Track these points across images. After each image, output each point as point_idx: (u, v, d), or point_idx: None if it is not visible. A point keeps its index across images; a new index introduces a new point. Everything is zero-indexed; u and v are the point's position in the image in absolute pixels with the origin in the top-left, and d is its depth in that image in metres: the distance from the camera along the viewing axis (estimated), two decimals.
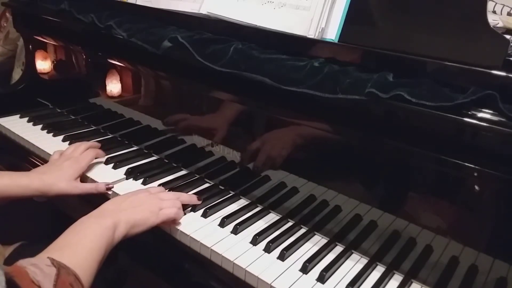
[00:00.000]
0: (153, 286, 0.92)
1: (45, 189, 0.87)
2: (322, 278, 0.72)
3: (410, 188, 0.74)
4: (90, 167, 0.99)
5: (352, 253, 0.79)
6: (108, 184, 0.92)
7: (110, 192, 0.92)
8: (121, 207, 0.77)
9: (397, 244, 0.76)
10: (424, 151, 0.68)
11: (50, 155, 1.02)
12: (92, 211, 0.75)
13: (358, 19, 0.76)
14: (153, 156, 1.10)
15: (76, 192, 0.90)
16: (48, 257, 0.60)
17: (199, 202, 0.88)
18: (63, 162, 0.95)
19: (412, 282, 0.74)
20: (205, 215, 0.85)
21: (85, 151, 0.99)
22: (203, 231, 0.81)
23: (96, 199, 0.89)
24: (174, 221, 0.81)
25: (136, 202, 0.79)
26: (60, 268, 0.59)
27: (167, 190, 0.91)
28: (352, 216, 0.81)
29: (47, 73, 1.37)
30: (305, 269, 0.73)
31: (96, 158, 1.01)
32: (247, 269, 0.73)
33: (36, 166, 1.05)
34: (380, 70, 0.69)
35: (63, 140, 1.14)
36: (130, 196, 0.82)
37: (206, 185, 0.99)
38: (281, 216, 0.88)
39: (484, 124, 0.59)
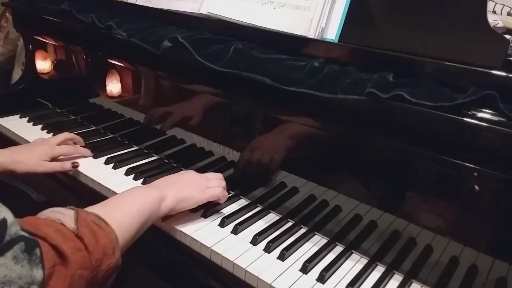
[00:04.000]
0: (153, 286, 0.92)
1: (14, 166, 0.91)
2: (322, 278, 0.72)
3: (410, 188, 0.74)
4: (90, 167, 1.00)
5: (352, 253, 0.79)
6: (74, 162, 0.97)
7: (77, 168, 0.97)
8: (170, 184, 0.81)
9: (397, 244, 0.76)
10: (424, 151, 0.68)
11: None
12: None
13: (358, 19, 0.76)
14: (153, 156, 1.09)
15: (41, 170, 0.94)
16: (67, 206, 0.61)
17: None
18: (38, 145, 0.99)
19: (412, 282, 0.73)
20: (205, 215, 0.85)
21: (64, 143, 1.03)
22: (203, 231, 0.81)
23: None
24: (219, 200, 0.86)
25: (184, 180, 0.84)
26: (79, 210, 0.60)
27: None
28: (352, 216, 0.81)
29: (47, 73, 1.37)
30: (305, 269, 0.73)
31: (83, 157, 1.03)
32: (247, 269, 0.73)
33: None
34: (380, 70, 0.69)
35: None
36: (179, 175, 0.89)
37: None
38: (281, 216, 0.88)
39: (484, 124, 0.59)
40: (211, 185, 0.85)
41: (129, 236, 0.66)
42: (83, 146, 1.08)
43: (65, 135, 1.05)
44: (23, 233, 0.49)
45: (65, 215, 0.58)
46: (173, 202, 0.77)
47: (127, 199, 0.72)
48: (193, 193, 0.81)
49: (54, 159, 0.98)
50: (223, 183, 0.88)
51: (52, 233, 0.53)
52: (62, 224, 0.56)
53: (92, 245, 0.56)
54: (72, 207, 0.61)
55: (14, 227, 0.48)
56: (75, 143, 1.07)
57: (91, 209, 0.65)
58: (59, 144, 1.01)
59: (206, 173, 0.89)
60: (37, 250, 0.49)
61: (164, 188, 0.78)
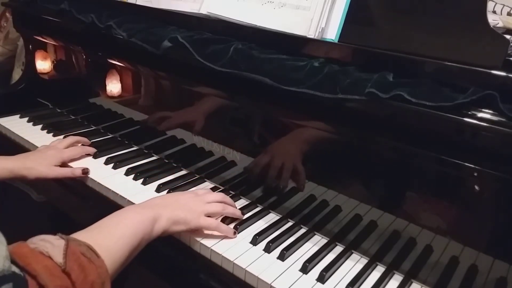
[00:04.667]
0: (152, 285, 0.92)
1: (25, 172, 0.92)
2: (322, 278, 0.72)
3: (410, 188, 0.74)
4: (90, 167, 0.99)
5: (352, 253, 0.79)
6: (84, 168, 0.97)
7: (88, 176, 0.97)
8: (165, 204, 0.78)
9: (397, 244, 0.76)
10: (424, 151, 0.68)
11: None
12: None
13: (358, 19, 0.76)
14: (153, 156, 1.09)
15: (53, 175, 0.95)
16: (57, 234, 0.59)
17: (243, 218, 0.85)
18: (47, 150, 1.00)
19: (412, 282, 0.73)
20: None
21: (71, 146, 1.05)
22: (203, 231, 0.81)
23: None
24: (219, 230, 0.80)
25: (182, 201, 0.80)
26: (69, 240, 0.59)
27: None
28: (352, 216, 0.81)
29: (47, 73, 1.37)
30: (305, 269, 0.73)
31: (86, 156, 1.05)
32: (247, 269, 0.73)
33: None
34: (380, 70, 0.69)
35: None
36: (176, 195, 0.85)
37: (206, 185, 0.98)
38: (281, 216, 0.88)
39: (484, 124, 0.59)
40: (209, 210, 0.80)
41: (120, 263, 0.64)
42: (89, 145, 1.10)
43: (71, 138, 1.07)
44: (14, 268, 0.48)
45: (54, 246, 0.56)
46: (167, 223, 0.74)
47: (118, 223, 0.69)
48: (188, 218, 0.77)
49: (64, 162, 0.99)
50: (220, 207, 0.82)
51: (40, 270, 0.52)
52: (50, 257, 0.54)
53: (79, 281, 0.54)
54: (62, 236, 0.59)
55: (7, 262, 0.47)
56: (82, 145, 1.08)
57: (82, 235, 0.62)
58: (66, 148, 1.03)
59: (205, 195, 0.84)
60: None
61: (158, 207, 0.75)
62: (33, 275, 0.51)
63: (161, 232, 0.73)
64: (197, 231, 0.80)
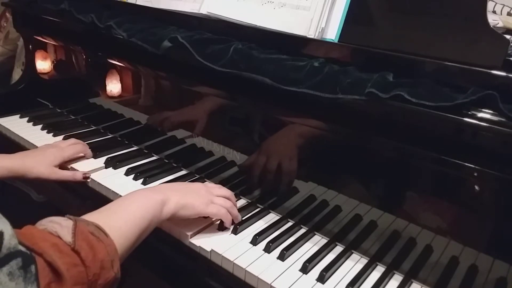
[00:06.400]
0: (152, 285, 0.92)
1: (25, 171, 0.90)
2: (322, 278, 0.72)
3: (410, 188, 0.74)
4: (89, 167, 1.00)
5: (352, 253, 0.79)
6: (85, 173, 0.96)
7: (88, 181, 0.96)
8: (174, 189, 0.79)
9: (397, 244, 0.76)
10: (424, 151, 0.68)
11: None
12: None
13: (358, 19, 0.76)
14: (153, 156, 1.09)
15: (54, 177, 0.93)
16: (66, 215, 0.60)
17: (240, 219, 0.84)
18: (48, 149, 0.99)
19: (412, 282, 0.73)
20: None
21: (72, 144, 1.03)
22: (203, 231, 0.81)
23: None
24: (224, 223, 0.81)
25: (190, 188, 0.82)
26: (78, 220, 0.59)
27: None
28: (352, 216, 0.81)
29: (47, 73, 1.37)
30: (305, 269, 0.73)
31: (84, 157, 1.04)
32: (247, 269, 0.73)
33: None
34: (380, 70, 0.69)
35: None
36: (186, 183, 0.88)
37: None
38: (281, 216, 0.88)
39: (484, 124, 0.59)
40: (217, 202, 0.81)
41: (129, 244, 0.64)
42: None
43: (72, 140, 1.06)
44: (21, 247, 0.48)
45: (62, 227, 0.56)
46: (175, 207, 0.74)
47: (128, 205, 0.70)
48: (196, 203, 0.78)
49: (65, 161, 0.98)
50: (228, 203, 0.82)
51: (48, 248, 0.52)
52: (59, 237, 0.55)
53: (89, 259, 0.55)
54: (70, 216, 0.59)
55: (13, 240, 0.47)
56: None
57: (91, 216, 0.63)
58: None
59: (215, 187, 0.86)
60: (33, 267, 0.48)
61: (167, 191, 0.76)
62: (39, 252, 0.51)
63: (170, 215, 0.74)
64: (200, 232, 0.80)
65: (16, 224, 0.51)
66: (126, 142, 1.15)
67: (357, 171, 0.79)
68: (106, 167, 1.02)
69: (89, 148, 1.07)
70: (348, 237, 0.81)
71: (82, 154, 1.04)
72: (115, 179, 0.96)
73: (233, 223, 0.83)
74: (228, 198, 0.84)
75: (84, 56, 1.24)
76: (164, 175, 1.00)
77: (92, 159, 1.05)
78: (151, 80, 1.08)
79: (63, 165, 0.98)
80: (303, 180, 0.86)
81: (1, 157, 0.91)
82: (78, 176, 0.96)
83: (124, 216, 0.67)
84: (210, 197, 0.81)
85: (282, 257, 0.76)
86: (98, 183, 0.95)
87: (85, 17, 1.06)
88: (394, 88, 0.64)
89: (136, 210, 0.69)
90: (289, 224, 0.86)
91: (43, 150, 0.98)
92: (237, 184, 0.95)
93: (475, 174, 0.64)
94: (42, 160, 0.94)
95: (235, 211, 0.84)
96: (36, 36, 1.34)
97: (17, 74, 1.75)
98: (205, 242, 0.78)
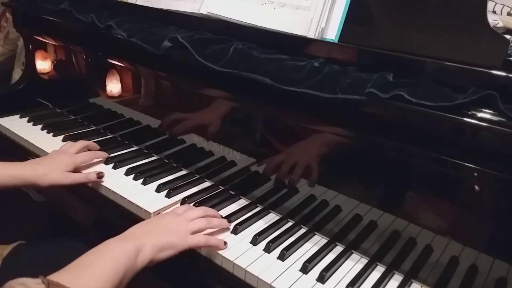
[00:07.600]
0: (152, 285, 0.92)
1: (38, 179, 0.88)
2: (322, 278, 0.72)
3: (410, 188, 0.74)
4: (90, 167, 1.00)
5: (352, 253, 0.79)
6: (99, 172, 0.94)
7: (102, 180, 0.94)
8: (147, 231, 0.74)
9: (397, 244, 0.76)
10: (424, 151, 0.68)
11: None
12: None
13: (358, 19, 0.76)
14: (153, 156, 1.10)
15: (67, 181, 0.91)
16: (40, 277, 0.57)
17: (229, 225, 0.83)
18: (58, 155, 0.97)
19: (412, 282, 0.74)
20: None
21: (83, 151, 1.01)
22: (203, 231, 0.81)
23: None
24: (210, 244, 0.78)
25: (164, 224, 0.76)
26: (50, 285, 0.56)
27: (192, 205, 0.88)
28: (352, 216, 0.81)
29: (47, 73, 1.37)
30: (305, 269, 0.73)
31: (97, 160, 1.03)
32: (247, 269, 0.73)
33: None
34: (380, 70, 0.69)
35: (63, 140, 1.14)
36: (156, 219, 0.80)
37: (206, 185, 0.99)
38: (281, 216, 0.88)
39: (484, 124, 0.59)
40: (194, 228, 0.77)
41: None
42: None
43: (81, 143, 1.03)
44: None
45: None
46: (151, 251, 0.69)
47: (98, 260, 0.65)
48: (174, 240, 0.73)
49: (76, 168, 0.96)
50: (204, 223, 0.79)
51: None
52: None
53: None
54: (42, 278, 0.57)
55: None
56: (90, 150, 1.05)
57: (60, 276, 0.60)
58: (77, 153, 1.00)
59: (187, 212, 0.80)
60: None
61: (140, 237, 0.71)
62: None
63: (148, 262, 0.69)
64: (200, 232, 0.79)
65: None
66: (126, 142, 1.15)
67: (357, 171, 0.79)
68: (106, 167, 1.01)
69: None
70: (348, 237, 0.81)
71: (95, 160, 1.02)
72: (115, 179, 0.96)
73: (233, 223, 0.83)
74: (204, 216, 0.81)
75: (84, 56, 1.24)
76: (164, 175, 0.99)
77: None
78: (151, 80, 1.08)
79: (74, 171, 0.96)
80: (303, 180, 0.86)
81: (12, 165, 0.89)
82: (92, 177, 0.93)
83: (95, 273, 0.63)
84: (186, 227, 0.76)
85: (282, 257, 0.76)
86: (98, 183, 0.95)
87: (85, 17, 1.06)
88: (394, 88, 0.64)
89: (108, 265, 0.64)
90: (289, 224, 0.86)
91: (53, 157, 0.96)
92: (237, 184, 0.95)
93: (475, 174, 0.64)
94: (53, 166, 0.91)
95: (216, 222, 0.81)
96: (36, 36, 1.34)
97: (17, 74, 1.75)
98: None
